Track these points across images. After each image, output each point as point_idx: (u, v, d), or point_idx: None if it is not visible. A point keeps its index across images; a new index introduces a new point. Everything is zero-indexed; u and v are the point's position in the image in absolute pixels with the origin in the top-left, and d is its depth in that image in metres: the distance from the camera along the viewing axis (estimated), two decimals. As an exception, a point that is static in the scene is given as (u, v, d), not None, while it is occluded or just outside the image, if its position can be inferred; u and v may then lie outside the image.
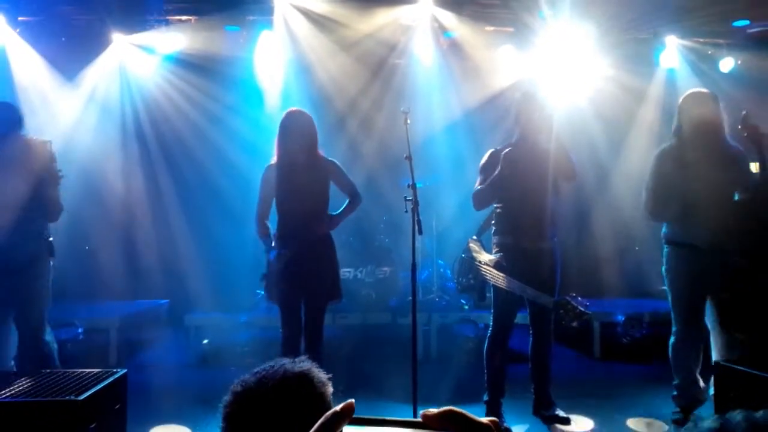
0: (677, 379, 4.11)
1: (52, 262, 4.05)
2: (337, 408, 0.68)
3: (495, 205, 4.24)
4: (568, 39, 6.59)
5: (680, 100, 4.08)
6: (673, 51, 7.18)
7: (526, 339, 4.33)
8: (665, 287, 4.15)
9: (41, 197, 3.85)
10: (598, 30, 6.56)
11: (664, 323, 6.64)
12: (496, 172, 4.02)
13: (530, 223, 4.05)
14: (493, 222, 4.28)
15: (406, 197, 3.77)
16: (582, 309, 3.70)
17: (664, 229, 4.14)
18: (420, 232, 3.70)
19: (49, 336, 3.98)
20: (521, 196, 4.04)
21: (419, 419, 0.68)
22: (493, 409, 4.18)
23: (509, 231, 4.13)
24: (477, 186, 4.20)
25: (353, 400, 0.69)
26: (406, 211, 3.75)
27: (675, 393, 4.14)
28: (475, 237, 4.44)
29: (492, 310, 4.22)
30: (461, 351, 5.97)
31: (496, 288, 4.11)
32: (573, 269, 7.12)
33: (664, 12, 6.67)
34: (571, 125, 7.28)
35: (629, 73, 7.09)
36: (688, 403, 4.06)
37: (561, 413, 4.21)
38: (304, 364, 1.26)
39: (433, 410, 0.67)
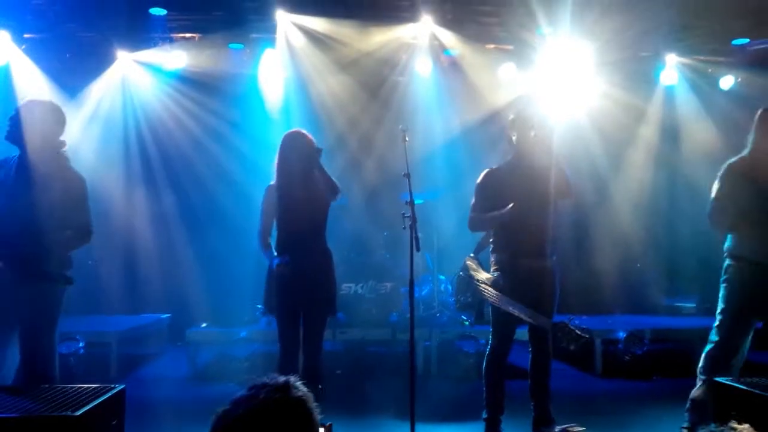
0: (699, 391, 4.04)
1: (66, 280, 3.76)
2: None
3: None
4: (568, 56, 6.63)
5: (757, 114, 4.09)
6: (672, 69, 7.22)
7: (526, 355, 4.32)
8: (720, 298, 4.11)
9: (65, 216, 3.66)
10: (598, 48, 6.61)
11: (665, 340, 6.68)
12: (497, 214, 3.99)
13: (528, 241, 4.02)
14: (491, 240, 4.26)
15: (404, 214, 3.79)
16: (579, 332, 3.68)
17: (727, 243, 4.12)
18: (418, 249, 3.71)
19: (53, 361, 3.69)
20: (519, 215, 3.98)
21: None
22: (492, 426, 4.16)
23: (507, 249, 4.10)
24: (472, 204, 4.19)
25: (331, 423, 0.71)
26: (405, 228, 3.77)
27: (688, 405, 4.07)
28: (472, 255, 4.44)
29: (491, 327, 4.22)
30: (461, 367, 5.95)
31: (494, 306, 4.10)
32: (573, 286, 7.12)
33: (664, 30, 6.72)
34: (571, 142, 7.33)
35: (629, 91, 7.14)
36: (698, 419, 3.99)
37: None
38: (293, 389, 1.21)
39: None
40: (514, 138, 4.15)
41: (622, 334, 6.26)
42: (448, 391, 5.42)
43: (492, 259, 4.22)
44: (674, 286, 7.76)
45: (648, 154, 7.70)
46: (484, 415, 4.20)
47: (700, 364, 4.07)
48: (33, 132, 3.62)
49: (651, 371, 6.07)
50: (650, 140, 7.67)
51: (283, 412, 1.16)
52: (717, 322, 4.05)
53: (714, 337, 4.04)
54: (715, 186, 4.04)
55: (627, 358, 6.20)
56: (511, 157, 4.21)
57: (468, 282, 4.35)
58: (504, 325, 4.13)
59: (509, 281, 4.04)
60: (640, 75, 7.23)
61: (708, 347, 4.06)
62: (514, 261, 4.06)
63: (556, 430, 4.16)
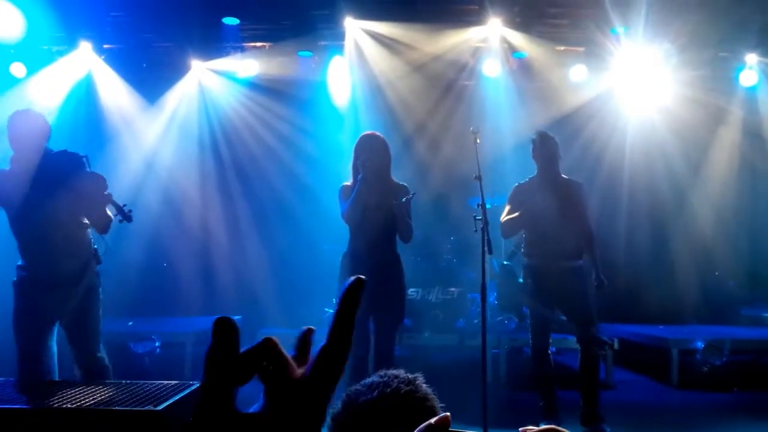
0: None
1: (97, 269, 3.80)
2: (432, 421, 0.67)
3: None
4: (643, 57, 6.45)
5: None
6: (753, 69, 6.92)
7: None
8: None
9: (88, 210, 3.66)
10: (675, 48, 6.40)
11: (746, 351, 6.38)
12: (514, 215, 4.33)
13: (551, 245, 4.29)
14: (522, 246, 4.58)
15: (475, 216, 3.77)
16: (603, 339, 3.76)
17: None
18: (490, 252, 3.70)
19: (102, 352, 3.74)
20: (541, 222, 4.27)
21: None
22: (548, 413, 4.23)
23: (534, 254, 4.43)
24: (503, 216, 4.45)
25: (449, 414, 0.68)
26: (476, 231, 3.75)
27: None
28: (505, 262, 4.60)
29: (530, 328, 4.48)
30: (532, 375, 5.84)
31: (530, 308, 4.46)
32: (648, 294, 6.89)
33: (744, 29, 6.46)
34: (647, 144, 7.11)
35: (707, 92, 6.88)
36: None
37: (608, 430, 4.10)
38: (421, 385, 1.21)
39: (534, 428, 0.66)
40: (536, 155, 4.42)
41: (700, 345, 6.02)
42: (519, 400, 5.33)
43: (523, 263, 4.58)
44: (756, 295, 7.41)
45: (728, 158, 7.40)
46: (540, 403, 4.35)
47: None
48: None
49: (731, 383, 5.81)
50: (730, 143, 7.37)
51: (412, 404, 1.20)
52: None
53: None
54: None
55: (705, 369, 5.96)
56: (535, 173, 4.46)
57: (507, 284, 4.55)
58: (539, 326, 4.42)
59: (538, 283, 4.36)
60: (718, 76, 6.95)
61: None
62: (539, 264, 4.39)
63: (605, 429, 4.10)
